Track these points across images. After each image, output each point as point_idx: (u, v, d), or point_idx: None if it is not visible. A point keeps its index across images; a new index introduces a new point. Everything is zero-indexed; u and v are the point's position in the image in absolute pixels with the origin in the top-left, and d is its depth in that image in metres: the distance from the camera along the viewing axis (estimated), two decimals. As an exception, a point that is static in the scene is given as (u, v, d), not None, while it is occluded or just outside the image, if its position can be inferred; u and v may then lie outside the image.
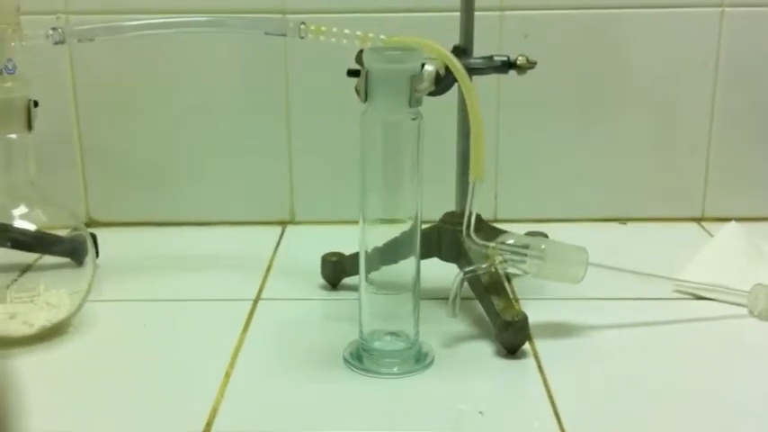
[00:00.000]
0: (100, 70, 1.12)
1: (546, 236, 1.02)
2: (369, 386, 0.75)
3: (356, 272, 0.79)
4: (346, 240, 0.91)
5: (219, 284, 0.97)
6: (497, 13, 1.11)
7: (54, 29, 0.81)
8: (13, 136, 0.80)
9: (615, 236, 1.15)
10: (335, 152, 1.14)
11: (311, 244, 1.01)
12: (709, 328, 0.87)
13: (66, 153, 1.14)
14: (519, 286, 0.96)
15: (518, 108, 1.14)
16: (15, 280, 0.86)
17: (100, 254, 1.02)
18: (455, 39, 0.88)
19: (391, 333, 0.79)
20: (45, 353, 0.81)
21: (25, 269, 0.88)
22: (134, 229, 1.16)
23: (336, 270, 0.94)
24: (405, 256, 0.77)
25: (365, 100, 0.72)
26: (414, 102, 0.72)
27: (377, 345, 0.78)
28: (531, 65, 0.86)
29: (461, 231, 0.88)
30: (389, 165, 0.75)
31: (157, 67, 1.12)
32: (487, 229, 0.92)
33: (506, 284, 0.87)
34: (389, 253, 0.78)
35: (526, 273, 0.83)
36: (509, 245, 0.82)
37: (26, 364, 0.78)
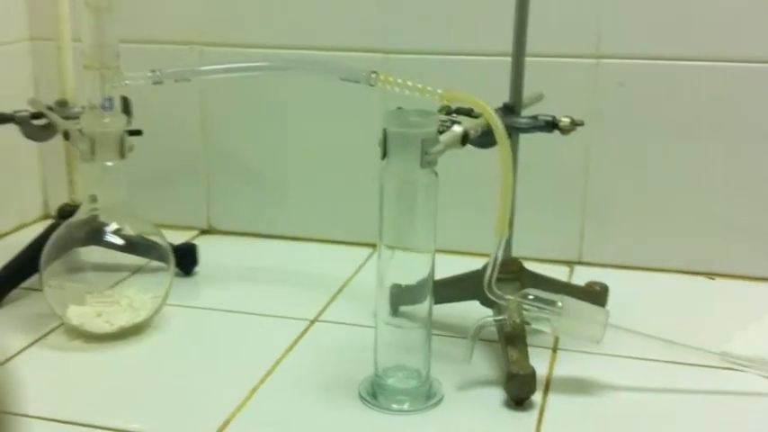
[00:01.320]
0: (226, 89, 1.24)
1: (606, 288, 1.03)
2: (378, 421, 0.82)
3: (412, 301, 0.84)
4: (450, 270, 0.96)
5: (287, 301, 1.07)
6: (593, 60, 1.12)
7: (153, 71, 0.94)
8: (109, 163, 0.94)
9: (698, 290, 1.12)
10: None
11: (418, 264, 1.03)
12: (745, 403, 0.85)
13: (191, 165, 1.28)
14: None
15: (610, 150, 1.14)
16: (125, 280, 1.01)
17: (203, 261, 1.16)
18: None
19: (404, 370, 0.85)
20: (117, 349, 0.94)
21: (144, 268, 1.03)
22: (242, 239, 1.29)
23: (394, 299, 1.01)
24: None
25: (382, 158, 0.79)
26: (425, 164, 0.78)
27: (390, 382, 0.85)
28: (573, 126, 0.88)
29: (498, 278, 0.92)
30: (404, 217, 0.81)
31: (279, 86, 1.22)
32: (528, 279, 0.95)
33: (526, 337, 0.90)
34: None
35: (544, 329, 0.85)
36: (528, 300, 0.85)
37: (98, 357, 0.92)
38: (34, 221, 1.32)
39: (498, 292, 0.85)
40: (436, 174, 0.80)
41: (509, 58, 1.08)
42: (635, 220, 1.16)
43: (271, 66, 0.97)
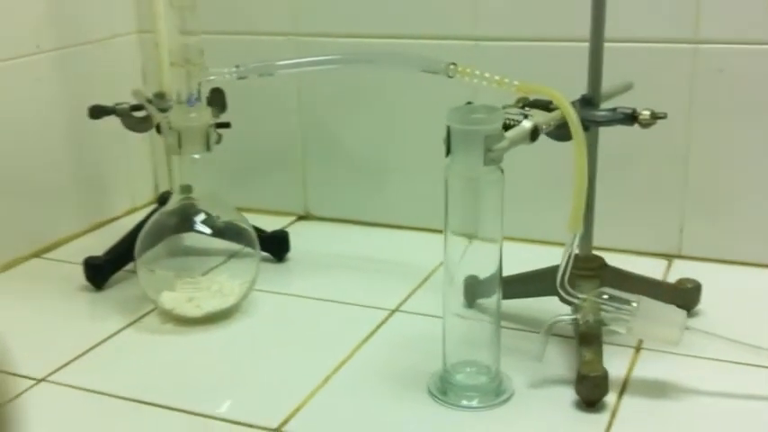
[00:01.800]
0: (324, 76, 1.24)
1: (699, 286, 0.99)
2: (447, 417, 0.82)
3: (482, 294, 0.85)
4: (524, 258, 0.96)
5: (373, 289, 1.08)
6: (691, 45, 1.06)
7: (237, 66, 0.97)
8: (196, 156, 0.98)
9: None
10: (537, 170, 1.16)
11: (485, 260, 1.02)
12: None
13: (290, 151, 1.31)
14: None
15: (711, 140, 1.09)
16: (216, 267, 1.06)
17: (296, 247, 1.19)
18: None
19: (474, 365, 0.85)
20: (205, 334, 0.99)
21: (233, 255, 1.07)
22: (338, 225, 1.31)
23: (468, 291, 1.00)
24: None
25: (446, 154, 0.78)
26: (488, 161, 0.76)
27: (459, 378, 0.85)
28: (654, 119, 0.84)
29: (577, 275, 0.90)
30: (469, 213, 0.80)
31: (377, 71, 1.21)
32: (609, 276, 0.92)
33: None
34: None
35: (620, 330, 0.83)
36: (601, 300, 0.83)
37: (186, 341, 0.97)
38: (145, 206, 1.39)
39: (571, 291, 0.83)
40: (502, 170, 0.78)
41: (610, 44, 1.05)
42: (737, 212, 1.10)
43: (351, 59, 0.98)
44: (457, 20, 1.15)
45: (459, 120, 0.77)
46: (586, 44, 0.89)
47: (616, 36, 1.06)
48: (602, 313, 0.83)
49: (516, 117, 0.82)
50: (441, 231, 1.24)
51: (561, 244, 0.82)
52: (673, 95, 1.08)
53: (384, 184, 1.28)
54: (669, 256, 1.15)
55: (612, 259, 0.98)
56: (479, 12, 1.14)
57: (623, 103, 0.91)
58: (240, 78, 0.98)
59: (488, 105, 0.79)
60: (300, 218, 1.33)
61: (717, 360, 0.89)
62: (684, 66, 1.07)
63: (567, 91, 0.89)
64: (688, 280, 0.99)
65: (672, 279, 1.02)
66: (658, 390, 0.85)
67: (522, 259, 0.97)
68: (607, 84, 0.94)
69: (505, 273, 0.92)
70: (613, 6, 1.05)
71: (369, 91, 1.24)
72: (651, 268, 1.10)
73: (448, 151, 0.78)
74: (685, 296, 0.97)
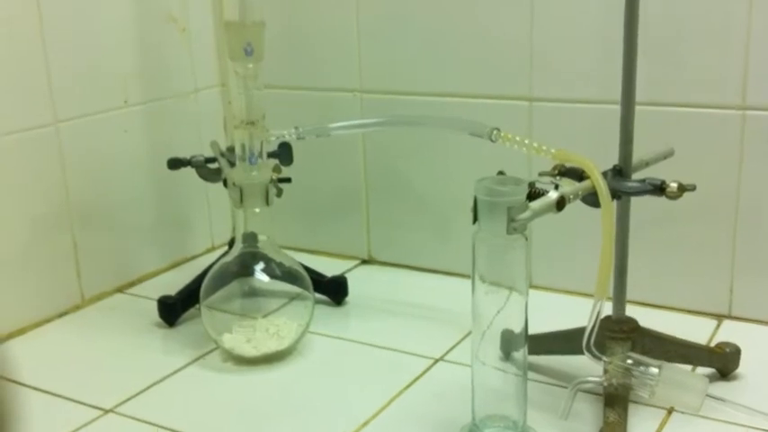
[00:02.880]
0: (389, 129, 1.31)
1: (738, 350, 1.00)
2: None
3: (515, 348, 0.89)
4: (568, 309, 1.01)
5: (422, 337, 1.13)
6: (738, 111, 1.08)
7: (295, 128, 1.05)
8: (257, 210, 1.06)
9: None
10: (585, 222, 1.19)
11: (543, 312, 1.02)
12: None
13: (354, 197, 1.38)
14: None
15: (761, 200, 1.10)
16: (275, 310, 1.14)
17: (356, 291, 1.26)
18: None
19: (501, 420, 0.89)
20: (260, 374, 1.06)
21: (291, 298, 1.15)
22: (399, 270, 1.37)
23: (504, 344, 1.04)
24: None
25: (473, 222, 0.83)
26: (511, 230, 0.81)
27: None
28: (681, 192, 0.87)
29: (609, 337, 0.94)
30: (495, 276, 0.85)
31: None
32: (642, 338, 0.95)
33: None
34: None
35: (643, 394, 0.86)
36: (624, 364, 0.86)
37: (242, 379, 1.05)
38: (222, 245, 1.48)
39: (597, 354, 0.86)
40: (526, 238, 0.83)
41: (651, 107, 1.08)
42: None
43: (400, 121, 1.05)
44: (512, 81, 1.20)
45: (485, 191, 0.82)
46: (638, 107, 0.93)
47: (667, 100, 1.11)
48: (630, 377, 0.86)
49: (546, 186, 0.87)
50: (496, 284, 1.30)
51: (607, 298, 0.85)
52: (723, 157, 1.10)
53: (445, 232, 1.33)
54: (719, 316, 1.15)
55: (661, 317, 1.00)
56: (534, 73, 1.19)
57: (672, 164, 0.95)
58: (299, 139, 1.06)
59: (515, 177, 0.84)
60: (363, 262, 1.40)
61: (748, 427, 0.90)
62: (733, 130, 1.09)
63: (616, 151, 0.94)
64: (727, 344, 1.00)
65: (721, 339, 1.04)
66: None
67: (565, 310, 1.01)
68: (653, 146, 0.97)
69: (549, 323, 0.96)
70: (664, 70, 1.09)
71: (433, 138, 1.30)
72: (700, 327, 1.12)
73: (475, 219, 0.84)
74: (723, 360, 0.99)
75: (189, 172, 1.21)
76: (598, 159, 0.89)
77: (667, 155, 0.99)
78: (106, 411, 0.98)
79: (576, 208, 0.93)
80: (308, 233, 1.41)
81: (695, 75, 1.09)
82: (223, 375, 1.06)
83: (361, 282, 1.29)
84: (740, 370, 1.01)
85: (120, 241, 1.32)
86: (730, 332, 1.10)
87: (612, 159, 0.94)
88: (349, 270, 1.36)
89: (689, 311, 1.17)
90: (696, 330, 1.09)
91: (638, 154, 0.95)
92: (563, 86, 1.18)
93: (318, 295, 1.20)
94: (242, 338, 1.09)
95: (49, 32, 1.17)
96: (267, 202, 1.06)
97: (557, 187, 0.86)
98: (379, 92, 1.31)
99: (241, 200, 1.05)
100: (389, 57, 1.29)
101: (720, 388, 0.98)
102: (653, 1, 1.03)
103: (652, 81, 1.09)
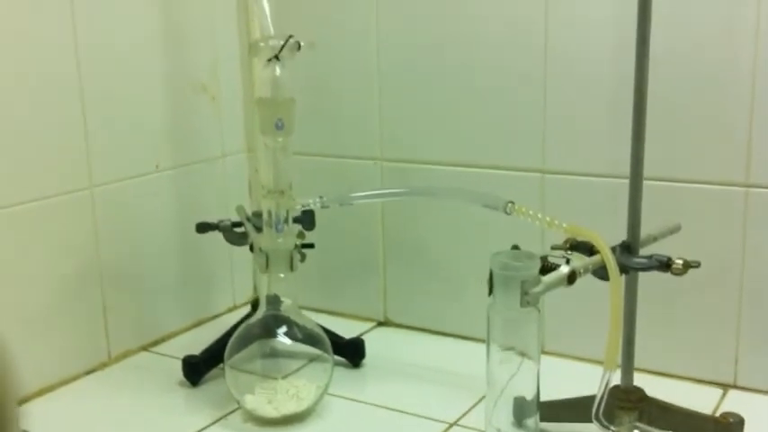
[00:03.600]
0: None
1: (742, 421, 1.03)
2: None
3: (528, 415, 0.93)
4: (577, 376, 1.04)
5: (438, 400, 1.17)
6: (742, 189, 1.13)
7: (320, 197, 1.10)
8: (281, 275, 1.11)
9: None
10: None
11: (554, 377, 1.04)
12: None
13: (371, 261, 1.43)
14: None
15: (765, 276, 1.14)
16: (295, 371, 1.18)
17: (373, 353, 1.30)
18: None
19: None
20: (280, 434, 1.10)
21: (311, 359, 1.19)
22: (416, 333, 1.41)
23: (517, 411, 1.07)
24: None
25: (488, 294, 0.88)
26: (524, 303, 0.86)
27: (499, 498, 0.93)
28: (686, 269, 0.92)
29: (617, 406, 0.98)
30: (509, 346, 0.89)
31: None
32: (649, 408, 0.99)
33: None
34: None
35: (649, 464, 0.89)
36: (632, 434, 0.89)
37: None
38: (244, 304, 1.53)
39: (605, 423, 0.90)
40: (539, 310, 0.88)
41: (659, 183, 1.12)
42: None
43: (418, 192, 1.10)
44: (525, 153, 1.26)
45: (500, 265, 0.87)
46: (647, 182, 0.98)
47: (674, 176, 1.16)
48: (631, 447, 0.90)
49: (558, 260, 0.91)
50: (512, 350, 1.34)
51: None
52: (727, 232, 1.15)
53: (462, 296, 1.38)
54: (725, 386, 1.19)
55: (666, 385, 1.04)
56: (546, 146, 1.25)
57: (679, 237, 0.99)
58: (323, 207, 1.11)
59: (528, 252, 0.88)
60: (380, 324, 1.45)
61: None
62: (737, 206, 1.13)
63: (625, 225, 0.98)
64: (731, 414, 1.03)
65: (726, 408, 1.07)
66: None
67: (576, 377, 1.05)
68: (660, 218, 1.02)
69: (560, 389, 1.00)
70: (671, 148, 1.14)
71: (450, 207, 1.34)
72: (706, 397, 1.15)
73: (490, 291, 0.88)
74: (727, 430, 1.02)
75: (214, 234, 1.26)
76: (608, 230, 0.94)
77: (674, 230, 1.03)
78: (133, 469, 1.03)
79: (587, 277, 0.98)
80: (326, 294, 1.46)
81: (701, 152, 1.14)
82: (244, 436, 1.11)
83: (377, 343, 1.33)
84: (744, 440, 1.04)
85: (146, 300, 1.37)
86: (735, 402, 1.13)
87: (622, 230, 0.99)
88: (365, 332, 1.40)
89: (695, 380, 1.20)
90: (702, 399, 1.12)
91: (645, 227, 1.00)
92: (575, 160, 1.23)
93: (336, 357, 1.24)
94: (264, 400, 1.13)
95: (89, 98, 1.24)
96: (292, 268, 1.11)
97: (568, 261, 0.91)
98: (399, 160, 1.37)
99: (267, 265, 1.10)
100: (409, 128, 1.35)
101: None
102: (660, 80, 1.08)
103: (659, 157, 1.14)
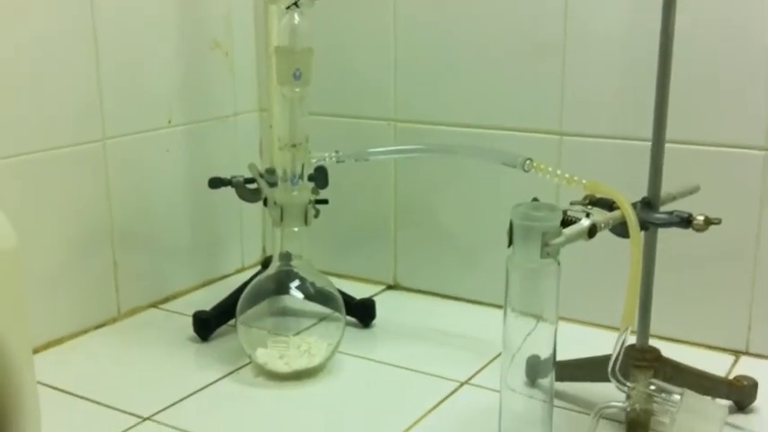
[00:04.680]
0: (420, 160, 1.37)
1: (755, 384, 1.03)
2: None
3: (543, 374, 0.92)
4: (590, 341, 1.04)
5: (447, 361, 1.16)
6: (762, 152, 1.12)
7: (336, 152, 1.09)
8: (295, 229, 1.10)
9: None
10: (609, 256, 1.22)
11: (541, 342, 1.07)
12: None
13: (383, 224, 1.42)
14: None
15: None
16: (306, 328, 1.17)
17: (382, 315, 1.29)
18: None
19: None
20: (291, 389, 1.10)
21: (322, 318, 1.19)
22: (425, 297, 1.40)
23: (530, 370, 1.07)
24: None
25: (508, 246, 0.87)
26: (545, 254, 0.85)
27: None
28: (707, 225, 0.91)
29: (632, 365, 0.97)
30: (527, 300, 0.89)
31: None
32: (664, 367, 0.98)
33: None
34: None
35: (664, 420, 0.89)
36: (647, 390, 0.89)
37: (273, 394, 1.08)
38: (252, 266, 1.52)
39: (621, 379, 0.89)
40: (558, 263, 0.87)
41: (677, 145, 1.11)
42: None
43: (436, 149, 1.09)
44: (544, 115, 1.25)
45: (521, 216, 0.86)
46: (672, 145, 0.97)
47: (692, 138, 1.15)
48: (652, 403, 0.89)
49: (578, 214, 0.91)
50: (522, 312, 1.33)
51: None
52: (745, 197, 1.14)
53: (471, 261, 1.37)
54: (737, 352, 1.18)
55: (679, 351, 1.03)
56: (565, 109, 1.23)
57: (694, 201, 0.98)
58: (339, 162, 1.10)
59: (550, 204, 0.87)
60: (389, 287, 1.44)
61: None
62: (756, 170, 1.12)
63: (642, 186, 0.97)
64: (745, 377, 1.03)
65: (736, 375, 1.06)
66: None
67: (588, 342, 1.05)
68: (678, 182, 1.01)
69: (572, 353, 0.99)
70: (690, 111, 1.13)
71: (463, 171, 1.34)
72: (717, 363, 1.15)
73: (510, 243, 0.87)
74: (741, 393, 1.02)
75: (224, 194, 1.25)
76: (625, 192, 0.93)
77: (693, 190, 1.02)
78: (144, 419, 1.02)
79: (601, 244, 0.96)
80: (336, 257, 1.45)
81: (721, 115, 1.13)
82: (255, 390, 1.10)
83: (387, 306, 1.32)
84: (757, 404, 1.03)
85: (156, 258, 1.37)
86: (747, 368, 1.13)
87: (637, 195, 0.98)
88: (375, 295, 1.39)
89: (708, 347, 1.20)
90: (714, 365, 1.12)
91: (663, 190, 0.99)
92: (592, 122, 1.22)
93: (346, 317, 1.23)
94: (275, 354, 1.12)
95: (103, 51, 1.23)
96: (306, 222, 1.10)
97: (588, 215, 0.90)
98: (413, 121, 1.36)
99: (281, 218, 1.09)
100: (424, 87, 1.34)
101: (737, 420, 1.00)
102: (682, 44, 1.07)
103: (679, 120, 1.13)
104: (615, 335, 0.87)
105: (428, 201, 1.39)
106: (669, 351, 1.02)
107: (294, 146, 1.07)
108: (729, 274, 1.17)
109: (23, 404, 0.71)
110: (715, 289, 1.19)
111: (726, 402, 1.02)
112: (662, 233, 0.98)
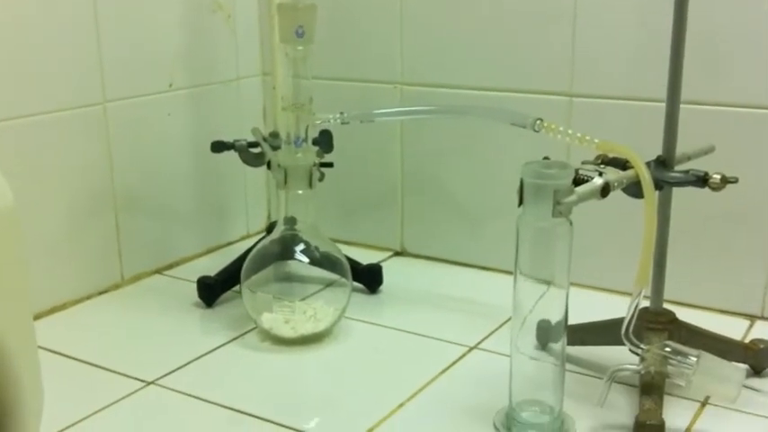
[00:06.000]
0: (427, 121, 1.33)
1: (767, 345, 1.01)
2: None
3: (555, 338, 0.90)
4: (600, 306, 1.02)
5: (456, 326, 1.14)
6: (782, 110, 1.09)
7: (341, 113, 1.07)
8: (299, 191, 1.08)
9: None
10: (618, 220, 1.18)
11: (553, 305, 1.05)
12: None
13: (390, 191, 1.40)
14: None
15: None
16: (313, 294, 1.16)
17: (389, 281, 1.27)
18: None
19: (538, 405, 0.90)
20: (298, 354, 1.08)
21: (328, 284, 1.17)
22: (432, 263, 1.38)
23: (540, 334, 1.05)
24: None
25: (519, 205, 0.85)
26: (557, 213, 0.82)
27: (524, 416, 0.90)
28: (724, 184, 0.88)
29: (646, 327, 0.95)
30: (538, 261, 0.86)
31: (476, 122, 1.28)
32: (678, 330, 0.96)
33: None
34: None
35: (680, 383, 0.87)
36: (663, 352, 0.87)
37: (280, 359, 1.07)
38: (257, 233, 1.50)
39: (635, 341, 0.87)
40: (570, 222, 0.84)
41: (690, 106, 1.08)
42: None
43: (444, 110, 1.07)
44: (553, 77, 1.22)
45: (532, 174, 0.83)
46: (685, 106, 0.94)
47: (706, 99, 1.12)
48: (666, 366, 0.87)
49: (590, 173, 0.88)
50: (529, 277, 1.31)
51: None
52: (760, 159, 1.11)
53: (476, 228, 1.35)
54: (752, 317, 1.16)
55: (694, 315, 1.01)
56: (575, 70, 1.20)
57: (710, 163, 0.96)
58: (344, 123, 1.08)
59: (561, 162, 0.85)
60: (396, 254, 1.42)
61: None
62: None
63: (655, 149, 0.95)
64: (761, 340, 1.01)
65: (750, 339, 1.04)
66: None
67: (598, 307, 1.03)
68: (692, 145, 0.98)
69: (582, 319, 0.97)
70: (704, 70, 1.10)
71: (468, 138, 1.32)
72: (732, 327, 1.12)
73: (520, 202, 0.85)
74: (757, 356, 1.00)
75: (227, 160, 1.23)
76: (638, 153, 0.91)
77: (708, 150, 1.00)
78: (148, 383, 1.00)
79: (611, 208, 0.94)
80: (342, 224, 1.43)
81: (734, 75, 1.10)
82: (261, 354, 1.08)
83: (394, 272, 1.30)
84: (773, 367, 1.02)
85: (160, 224, 1.35)
86: (763, 333, 1.10)
87: (648, 156, 0.95)
88: (382, 261, 1.37)
89: (722, 311, 1.17)
90: (729, 330, 1.09)
91: (677, 151, 0.97)
92: (603, 83, 1.19)
93: (353, 283, 1.21)
94: (281, 319, 1.10)
95: (103, 13, 1.20)
96: (311, 185, 1.08)
97: (601, 174, 0.88)
98: (419, 84, 1.33)
99: (285, 181, 1.07)
100: (430, 49, 1.31)
101: (753, 384, 0.98)
102: (697, 4, 1.04)
103: (692, 80, 1.10)
104: (625, 300, 0.85)
105: (434, 167, 1.36)
106: (682, 316, 0.99)
107: (297, 106, 1.05)
108: (744, 237, 1.15)
109: (24, 369, 0.70)
110: (729, 252, 1.16)
111: (742, 366, 1.00)
112: (675, 195, 0.96)
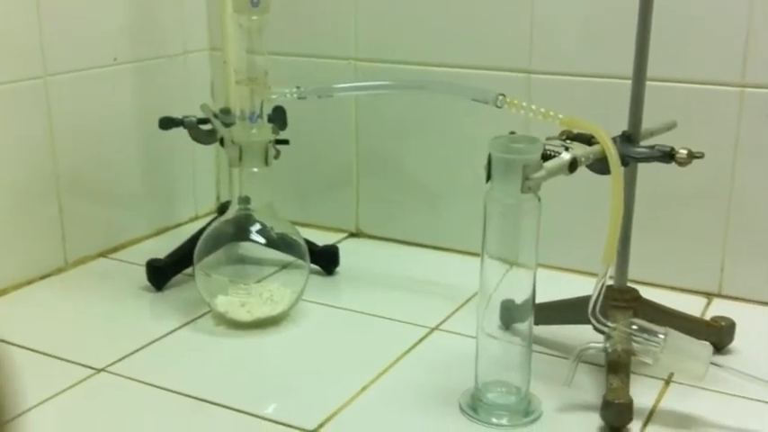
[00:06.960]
0: (382, 100, 1.30)
1: (733, 324, 1.01)
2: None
3: (516, 319, 0.88)
4: (563, 286, 1.01)
5: (415, 307, 1.12)
6: (737, 89, 1.09)
7: (297, 87, 1.03)
8: (255, 169, 1.04)
9: None
10: (580, 200, 1.19)
11: (520, 285, 1.01)
12: None
13: (345, 171, 1.37)
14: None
15: (755, 181, 1.11)
16: (269, 275, 1.12)
17: (345, 263, 1.24)
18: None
19: (504, 385, 0.89)
20: (254, 338, 1.04)
21: (285, 266, 1.13)
22: (388, 244, 1.36)
23: (504, 314, 1.03)
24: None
25: (486, 181, 0.83)
26: (525, 189, 0.80)
27: (490, 396, 0.88)
28: (690, 158, 0.87)
29: (611, 305, 0.94)
30: (506, 238, 0.84)
31: (435, 97, 1.25)
32: (643, 308, 0.95)
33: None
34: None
35: (647, 360, 0.86)
36: (630, 329, 0.86)
37: (236, 343, 1.03)
38: (207, 214, 1.46)
39: (601, 319, 0.86)
40: (539, 198, 0.82)
41: (660, 83, 1.07)
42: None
43: (404, 85, 1.04)
44: (512, 53, 1.20)
45: (500, 148, 0.81)
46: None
47: (665, 76, 1.11)
48: (633, 344, 0.86)
49: (557, 149, 0.86)
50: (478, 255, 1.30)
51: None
52: (719, 136, 1.11)
53: (434, 208, 1.33)
54: (709, 295, 1.16)
55: (652, 294, 1.01)
56: (534, 47, 1.19)
57: (669, 140, 0.94)
58: (300, 98, 1.04)
59: (529, 136, 0.83)
60: (351, 235, 1.39)
61: (745, 398, 0.91)
62: (731, 108, 1.09)
63: (613, 126, 0.93)
64: (722, 318, 1.01)
65: (710, 317, 1.04)
66: (683, 422, 0.87)
67: (561, 287, 1.01)
68: (651, 122, 0.97)
69: (544, 299, 0.96)
70: (664, 47, 1.08)
71: (425, 116, 1.29)
72: (690, 305, 1.12)
73: (488, 177, 0.83)
74: (719, 333, 1.00)
75: (174, 137, 1.18)
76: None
77: (671, 126, 0.99)
78: (98, 370, 0.96)
79: (574, 189, 0.92)
80: (296, 204, 1.39)
81: (696, 52, 1.10)
82: (216, 338, 1.04)
83: (350, 254, 1.27)
84: (734, 344, 1.01)
85: (104, 205, 1.29)
86: (720, 310, 1.10)
87: (612, 130, 0.94)
88: (338, 242, 1.34)
89: (680, 289, 1.17)
90: (687, 307, 1.09)
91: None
92: (562, 60, 1.17)
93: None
94: (236, 302, 1.07)
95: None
96: (267, 162, 1.04)
97: (567, 150, 0.86)
98: (374, 60, 1.29)
99: (240, 158, 1.02)
100: (386, 24, 1.27)
101: (716, 360, 0.98)
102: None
103: (654, 57, 1.09)
104: (587, 279, 0.84)
105: (391, 145, 1.33)
106: (642, 294, 0.99)
107: (252, 80, 1.00)
108: (702, 214, 1.15)
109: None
110: (687, 231, 1.16)
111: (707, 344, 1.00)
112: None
